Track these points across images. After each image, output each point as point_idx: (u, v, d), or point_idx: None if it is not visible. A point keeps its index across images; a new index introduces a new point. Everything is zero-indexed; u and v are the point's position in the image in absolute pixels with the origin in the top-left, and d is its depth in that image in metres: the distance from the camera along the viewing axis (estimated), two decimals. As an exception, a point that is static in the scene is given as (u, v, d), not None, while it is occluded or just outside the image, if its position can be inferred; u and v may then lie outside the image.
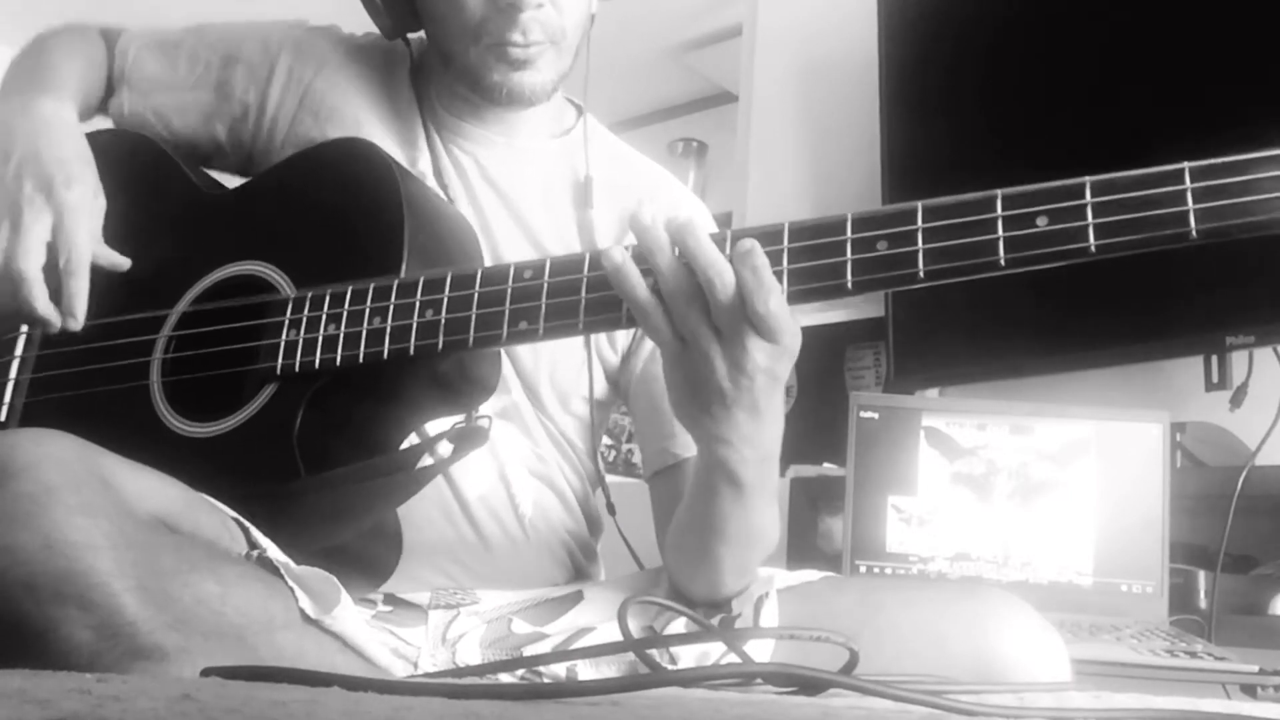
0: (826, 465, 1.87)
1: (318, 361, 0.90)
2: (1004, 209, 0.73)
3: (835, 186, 2.33)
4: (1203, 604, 1.47)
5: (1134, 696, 0.84)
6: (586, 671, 0.88)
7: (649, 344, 1.09)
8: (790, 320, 0.76)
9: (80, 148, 1.05)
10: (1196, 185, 0.69)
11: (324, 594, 0.80)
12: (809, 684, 0.68)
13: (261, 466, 0.89)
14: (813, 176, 2.41)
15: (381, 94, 1.13)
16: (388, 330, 0.88)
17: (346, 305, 0.90)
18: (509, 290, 0.85)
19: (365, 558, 0.95)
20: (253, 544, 0.83)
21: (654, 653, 0.83)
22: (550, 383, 1.08)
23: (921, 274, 0.74)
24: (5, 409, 1.03)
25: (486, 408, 1.01)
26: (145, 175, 1.09)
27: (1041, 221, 0.72)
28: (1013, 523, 1.48)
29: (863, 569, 1.50)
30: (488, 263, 1.01)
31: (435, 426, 0.99)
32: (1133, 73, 1.73)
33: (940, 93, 2.02)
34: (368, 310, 0.89)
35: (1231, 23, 1.63)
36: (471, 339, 0.85)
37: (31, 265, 0.98)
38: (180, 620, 0.70)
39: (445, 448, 0.98)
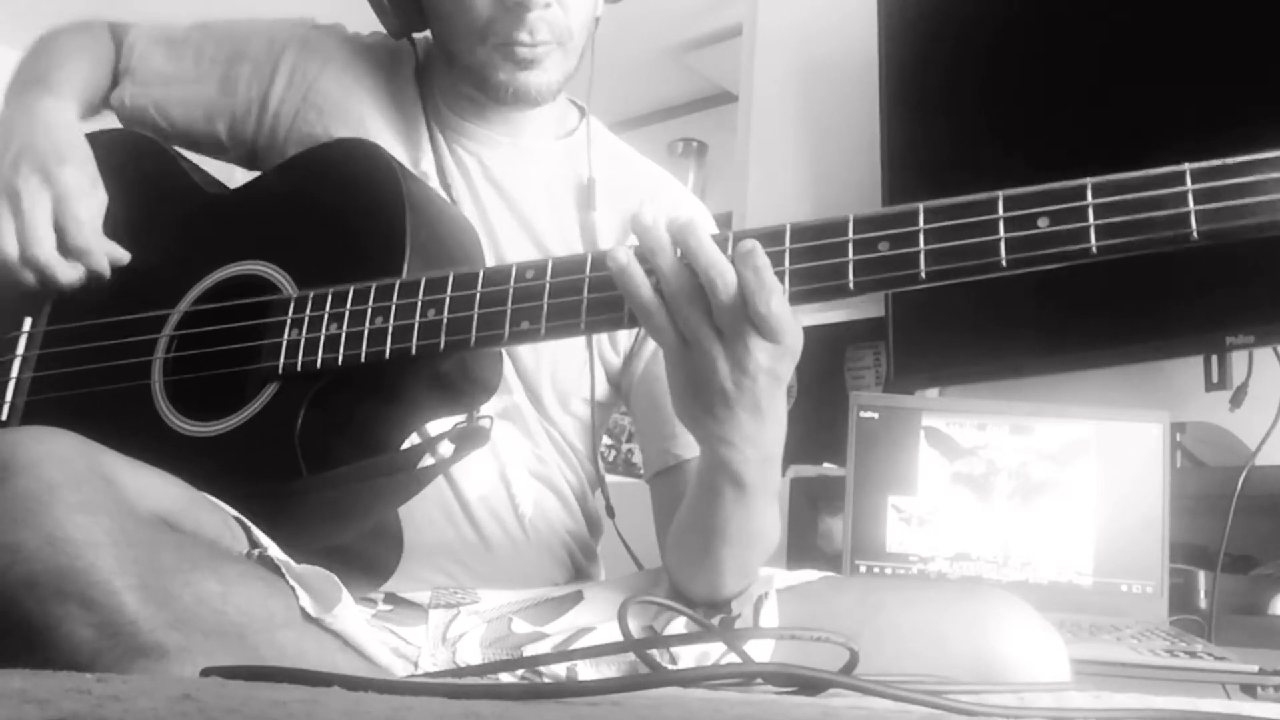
0: (826, 465, 1.87)
1: (319, 361, 0.90)
2: (1005, 210, 0.73)
3: (835, 186, 2.33)
4: (1203, 604, 1.47)
5: (1134, 696, 0.84)
6: (586, 671, 0.88)
7: (651, 344, 1.09)
8: (792, 320, 0.76)
9: (78, 141, 1.06)
10: (1198, 187, 0.69)
11: (325, 593, 0.80)
12: (809, 684, 0.68)
13: (263, 466, 0.89)
14: (813, 176, 2.41)
15: (386, 93, 1.13)
16: (390, 330, 0.88)
17: (349, 305, 0.90)
18: (511, 290, 0.85)
19: (366, 558, 0.96)
20: (254, 543, 0.83)
21: (654, 653, 0.83)
22: (551, 383, 1.08)
23: (923, 275, 0.74)
24: (7, 407, 1.03)
25: (488, 408, 1.01)
26: (148, 175, 1.09)
27: (1043, 222, 0.72)
28: (1013, 523, 1.49)
29: (863, 569, 1.50)
30: (490, 264, 1.02)
31: (437, 427, 0.99)
32: (1133, 72, 1.73)
33: (940, 93, 2.02)
34: (370, 310, 0.89)
35: (1232, 22, 1.63)
36: (473, 339, 0.85)
37: (46, 249, 1.00)
38: (181, 619, 0.70)
39: (446, 448, 0.98)
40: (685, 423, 0.85)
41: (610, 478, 1.18)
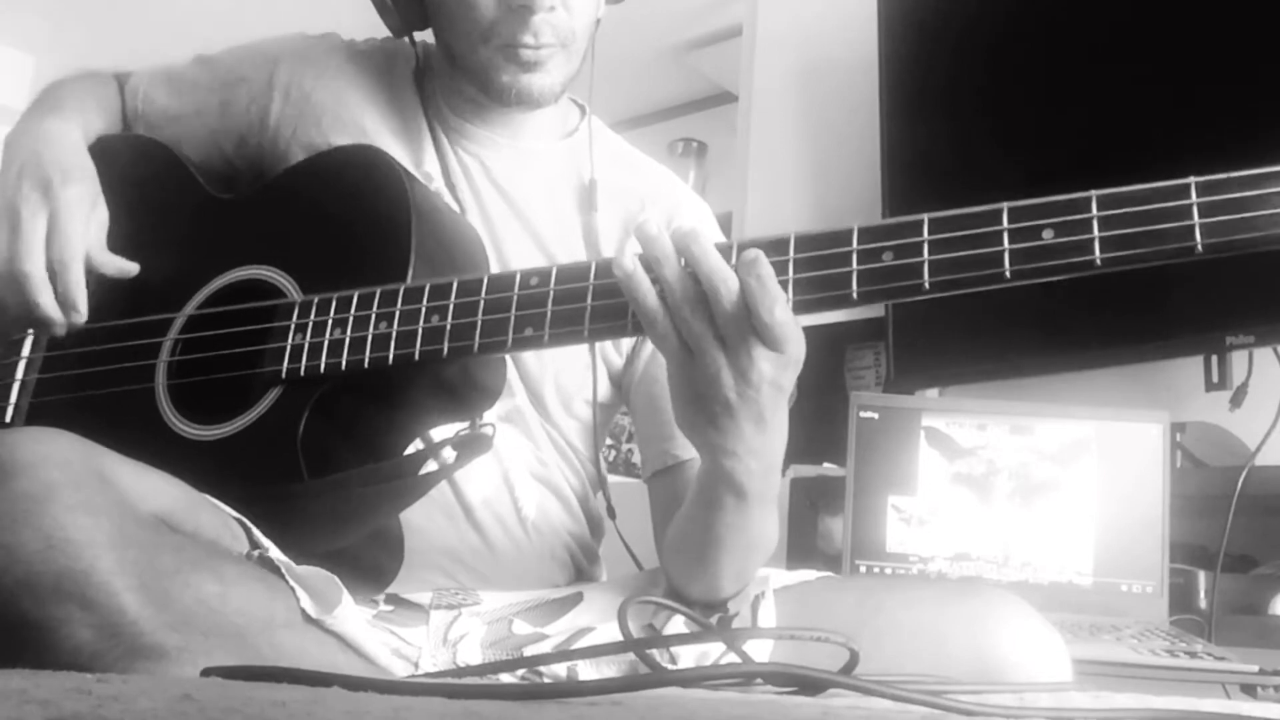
0: (826, 465, 1.87)
1: (323, 366, 0.90)
2: (1010, 221, 0.73)
3: (835, 186, 2.33)
4: (1203, 604, 1.47)
5: (1134, 696, 0.84)
6: (587, 671, 0.88)
7: (650, 344, 1.09)
8: (796, 330, 0.76)
9: (81, 159, 1.07)
10: (1203, 200, 0.69)
11: (325, 594, 0.80)
12: (809, 684, 0.68)
13: (265, 470, 0.89)
14: (813, 176, 2.41)
15: (384, 98, 1.13)
16: (393, 335, 0.88)
17: (353, 310, 0.90)
18: (515, 297, 0.85)
19: (366, 563, 0.95)
20: (254, 544, 0.83)
21: (654, 653, 0.83)
22: (555, 386, 1.08)
23: (927, 285, 0.74)
24: (11, 409, 1.03)
25: (490, 412, 1.01)
26: (155, 178, 1.10)
27: (1047, 234, 0.72)
28: (1013, 523, 1.49)
29: (863, 569, 1.50)
30: (494, 267, 1.02)
31: (440, 433, 0.99)
32: (1133, 74, 1.73)
33: (940, 93, 2.02)
34: (374, 315, 0.89)
35: (1235, 26, 1.63)
36: (477, 345, 0.85)
37: (35, 264, 1.00)
38: (181, 620, 0.70)
39: (449, 454, 0.98)
40: (687, 433, 0.85)
41: (611, 478, 1.18)
